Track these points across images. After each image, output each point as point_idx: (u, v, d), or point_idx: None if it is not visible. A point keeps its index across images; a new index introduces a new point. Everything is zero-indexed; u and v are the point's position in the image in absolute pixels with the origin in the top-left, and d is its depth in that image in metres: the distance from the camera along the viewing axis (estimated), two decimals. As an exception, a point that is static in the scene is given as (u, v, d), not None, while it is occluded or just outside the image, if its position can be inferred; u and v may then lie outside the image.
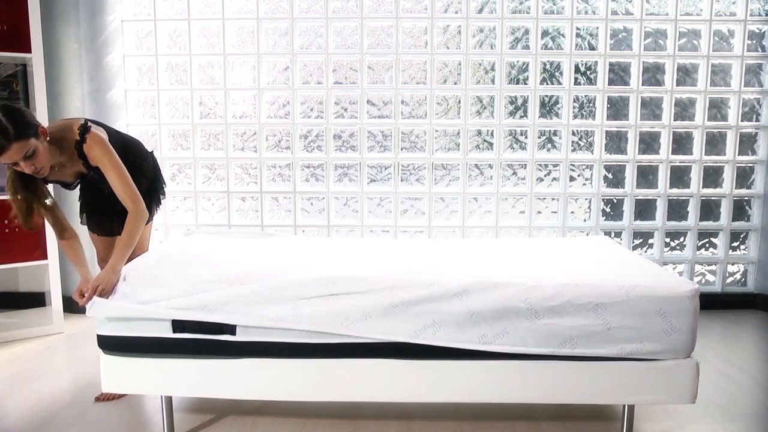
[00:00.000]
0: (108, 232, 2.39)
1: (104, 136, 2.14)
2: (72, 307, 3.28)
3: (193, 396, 2.25)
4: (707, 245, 3.55)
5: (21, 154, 1.92)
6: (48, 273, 3.15)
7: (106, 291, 1.91)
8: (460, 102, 3.41)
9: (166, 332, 1.90)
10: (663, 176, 3.46)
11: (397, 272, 1.99)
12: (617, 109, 3.43)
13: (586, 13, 3.35)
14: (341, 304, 1.89)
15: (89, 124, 2.13)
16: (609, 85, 3.39)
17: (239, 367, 1.93)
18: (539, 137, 3.45)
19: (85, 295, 1.90)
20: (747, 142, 3.46)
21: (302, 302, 1.90)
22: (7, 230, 3.08)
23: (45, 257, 3.11)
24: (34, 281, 3.48)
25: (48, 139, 2.02)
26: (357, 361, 1.93)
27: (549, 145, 3.47)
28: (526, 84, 3.40)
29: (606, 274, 2.03)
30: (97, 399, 2.36)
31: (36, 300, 3.45)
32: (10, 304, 3.46)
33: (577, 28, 3.37)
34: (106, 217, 2.38)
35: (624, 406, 2.01)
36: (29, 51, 2.99)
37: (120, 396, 2.37)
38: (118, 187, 2.10)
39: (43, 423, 2.18)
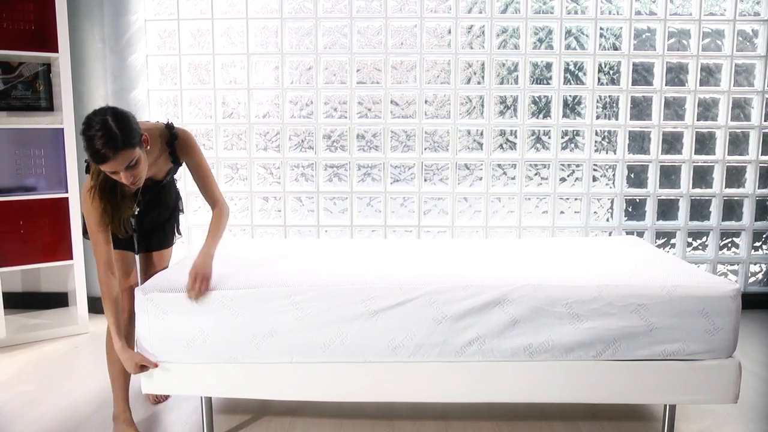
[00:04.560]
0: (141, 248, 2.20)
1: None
2: (96, 307, 3.27)
3: (233, 396, 2.24)
4: (729, 245, 3.55)
5: (125, 164, 1.73)
6: (73, 273, 3.14)
7: (207, 277, 1.88)
8: (483, 102, 3.41)
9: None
10: (686, 176, 3.46)
11: (431, 276, 1.99)
12: (640, 109, 3.43)
13: (610, 13, 3.35)
14: (384, 325, 1.90)
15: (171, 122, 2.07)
16: (632, 85, 3.39)
17: (277, 367, 1.94)
18: (562, 137, 3.45)
19: (193, 288, 1.87)
20: (770, 142, 3.46)
21: (345, 326, 1.90)
22: (33, 229, 3.08)
23: (70, 257, 3.11)
24: (57, 281, 3.47)
25: (148, 147, 1.86)
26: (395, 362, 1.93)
27: (572, 145, 3.46)
28: (549, 84, 3.40)
29: (644, 274, 2.02)
30: (157, 401, 2.37)
31: (58, 300, 3.45)
32: (33, 304, 3.46)
33: (601, 28, 3.37)
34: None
35: (665, 405, 2.01)
36: (56, 50, 2.99)
37: (167, 397, 2.38)
38: (208, 182, 2.09)
39: (78, 424, 2.18)
